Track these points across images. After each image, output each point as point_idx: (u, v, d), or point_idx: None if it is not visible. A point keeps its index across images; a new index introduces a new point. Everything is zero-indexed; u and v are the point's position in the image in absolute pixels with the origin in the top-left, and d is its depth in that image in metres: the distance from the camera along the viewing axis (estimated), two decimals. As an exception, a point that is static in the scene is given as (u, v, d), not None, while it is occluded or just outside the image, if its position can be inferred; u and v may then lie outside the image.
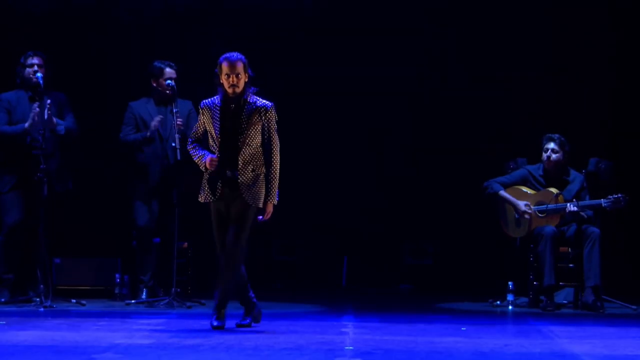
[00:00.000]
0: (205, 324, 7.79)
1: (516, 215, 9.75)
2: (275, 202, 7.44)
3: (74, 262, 10.10)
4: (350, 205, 11.49)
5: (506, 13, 11.28)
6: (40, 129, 8.95)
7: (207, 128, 7.44)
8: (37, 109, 9.03)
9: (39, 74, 9.16)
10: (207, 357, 6.09)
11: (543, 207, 9.65)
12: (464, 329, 7.76)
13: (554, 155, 9.74)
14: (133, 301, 9.36)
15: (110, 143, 9.81)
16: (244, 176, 7.34)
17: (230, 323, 7.53)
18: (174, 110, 9.15)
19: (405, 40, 11.43)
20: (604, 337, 7.40)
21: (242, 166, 7.34)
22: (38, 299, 8.93)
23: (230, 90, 7.38)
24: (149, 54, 9.80)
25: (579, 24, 11.18)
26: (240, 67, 7.38)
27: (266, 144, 7.42)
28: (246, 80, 7.41)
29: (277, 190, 7.44)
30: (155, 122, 9.29)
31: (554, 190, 9.69)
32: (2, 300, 9.20)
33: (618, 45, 11.28)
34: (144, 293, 9.40)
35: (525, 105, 11.27)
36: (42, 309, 8.77)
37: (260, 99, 7.43)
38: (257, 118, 7.36)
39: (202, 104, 7.50)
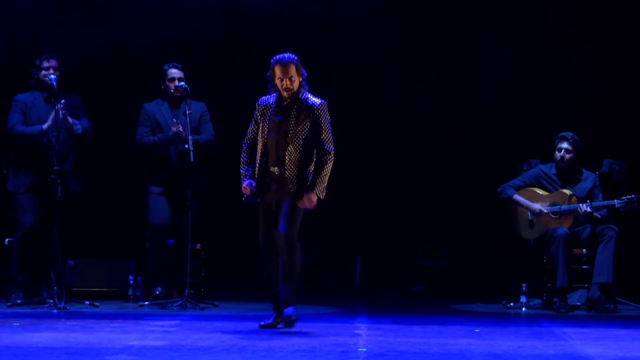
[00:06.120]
0: (218, 325, 7.80)
1: (529, 217, 9.74)
2: (322, 195, 7.48)
3: (87, 263, 10.10)
4: (363, 206, 11.48)
5: (521, 11, 11.27)
6: (54, 131, 8.99)
7: (260, 126, 7.49)
8: (55, 112, 9.07)
9: (52, 76, 9.19)
10: (220, 358, 6.09)
11: (556, 208, 9.63)
12: (478, 330, 7.75)
13: (567, 156, 9.72)
14: (146, 303, 9.37)
15: (124, 144, 9.82)
16: (290, 171, 7.42)
17: (243, 325, 7.53)
18: (187, 112, 9.17)
19: (422, 42, 11.43)
20: (618, 338, 7.38)
21: (288, 163, 7.41)
22: (51, 301, 8.95)
23: (285, 94, 7.43)
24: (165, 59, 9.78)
25: (595, 23, 11.15)
26: (292, 69, 7.42)
27: (317, 142, 7.45)
28: (300, 80, 7.43)
29: (324, 185, 7.47)
30: (175, 129, 9.27)
31: (567, 191, 9.67)
32: (18, 301, 9.22)
33: (636, 44, 11.25)
34: (158, 294, 9.40)
35: (540, 106, 11.25)
36: (55, 311, 8.79)
37: (312, 97, 7.49)
38: (306, 116, 7.42)
39: (258, 102, 7.55)
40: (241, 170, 7.64)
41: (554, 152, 9.78)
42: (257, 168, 7.54)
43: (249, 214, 10.94)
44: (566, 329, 7.87)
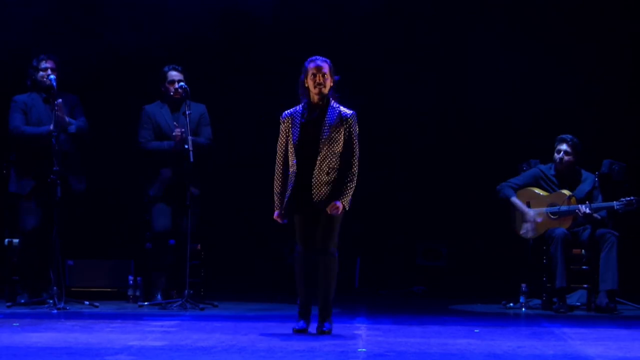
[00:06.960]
0: (218, 325, 7.80)
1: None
2: (347, 207, 7.32)
3: (87, 263, 10.10)
4: (363, 206, 11.46)
5: (521, 11, 11.27)
6: (54, 131, 8.99)
7: (288, 137, 7.36)
8: (59, 112, 9.07)
9: (52, 76, 9.19)
10: (219, 358, 6.10)
11: (555, 208, 9.63)
12: (477, 331, 7.76)
13: (566, 158, 9.70)
14: (146, 303, 9.37)
15: (124, 145, 9.82)
16: (324, 179, 7.27)
17: (242, 326, 7.52)
18: (187, 112, 9.16)
19: (422, 42, 11.43)
20: (618, 339, 7.39)
21: (317, 173, 7.27)
22: (51, 301, 8.95)
23: (316, 91, 7.31)
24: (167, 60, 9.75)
25: (595, 23, 11.14)
26: (326, 68, 7.34)
27: (346, 153, 7.32)
28: (332, 84, 7.37)
29: (350, 197, 7.33)
30: (177, 132, 9.23)
31: (566, 192, 9.66)
32: (22, 301, 9.23)
33: (636, 44, 11.24)
34: (157, 295, 9.40)
35: (540, 106, 11.25)
36: (55, 311, 8.78)
37: (343, 107, 7.38)
38: (339, 126, 7.30)
39: (283, 115, 7.42)
40: (275, 194, 7.42)
41: (553, 153, 9.77)
42: (290, 179, 7.35)
43: (249, 214, 11.02)
44: (566, 329, 7.87)
